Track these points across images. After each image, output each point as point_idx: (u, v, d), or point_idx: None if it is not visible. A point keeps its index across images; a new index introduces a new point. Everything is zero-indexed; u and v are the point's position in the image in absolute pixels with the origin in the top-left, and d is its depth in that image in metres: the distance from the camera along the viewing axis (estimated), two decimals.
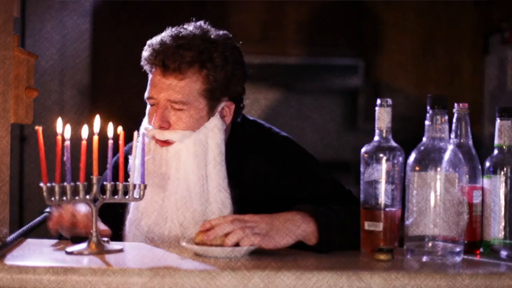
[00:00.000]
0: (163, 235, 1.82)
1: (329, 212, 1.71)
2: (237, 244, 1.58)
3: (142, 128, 1.90)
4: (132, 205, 1.87)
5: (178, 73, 1.82)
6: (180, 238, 1.77)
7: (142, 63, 1.89)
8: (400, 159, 1.65)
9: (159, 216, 1.83)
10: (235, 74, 1.88)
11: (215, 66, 1.84)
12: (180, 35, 1.85)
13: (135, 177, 1.70)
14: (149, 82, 1.88)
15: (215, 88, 1.85)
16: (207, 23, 1.91)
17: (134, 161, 1.71)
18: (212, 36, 1.86)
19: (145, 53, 1.87)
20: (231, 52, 1.88)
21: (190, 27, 1.88)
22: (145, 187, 1.67)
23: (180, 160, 1.83)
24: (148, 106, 1.89)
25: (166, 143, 1.84)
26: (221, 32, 1.89)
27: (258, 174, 1.88)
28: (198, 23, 1.90)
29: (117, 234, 1.86)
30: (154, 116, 1.85)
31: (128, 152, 1.80)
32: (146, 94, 1.88)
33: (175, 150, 1.84)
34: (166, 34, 1.87)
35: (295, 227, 1.64)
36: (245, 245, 1.58)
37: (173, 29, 1.88)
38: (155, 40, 1.87)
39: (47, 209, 1.92)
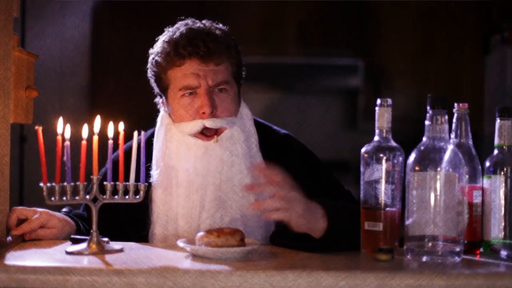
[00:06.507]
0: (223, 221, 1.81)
1: (343, 211, 1.69)
2: (238, 245, 1.58)
3: (162, 122, 1.88)
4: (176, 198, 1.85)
5: (218, 58, 1.84)
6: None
7: (166, 58, 1.85)
8: (400, 159, 1.65)
9: (219, 201, 1.82)
10: (241, 60, 1.94)
11: (236, 51, 1.90)
12: (197, 26, 1.87)
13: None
14: (181, 74, 1.84)
15: (239, 72, 1.92)
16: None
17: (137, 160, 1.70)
18: (219, 27, 1.91)
19: (174, 46, 1.84)
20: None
21: (191, 21, 1.90)
22: (145, 187, 1.67)
23: (231, 150, 1.84)
24: (181, 101, 1.85)
25: (210, 137, 1.83)
26: (220, 24, 1.93)
27: None
28: (191, 19, 1.92)
29: (139, 236, 1.85)
30: (198, 104, 1.83)
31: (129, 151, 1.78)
32: (183, 85, 1.84)
33: (226, 137, 1.84)
34: (183, 28, 1.86)
35: (318, 217, 1.63)
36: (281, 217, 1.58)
37: (180, 26, 1.88)
38: (178, 33, 1.85)
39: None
